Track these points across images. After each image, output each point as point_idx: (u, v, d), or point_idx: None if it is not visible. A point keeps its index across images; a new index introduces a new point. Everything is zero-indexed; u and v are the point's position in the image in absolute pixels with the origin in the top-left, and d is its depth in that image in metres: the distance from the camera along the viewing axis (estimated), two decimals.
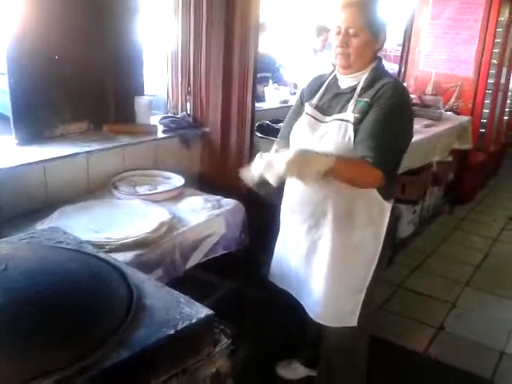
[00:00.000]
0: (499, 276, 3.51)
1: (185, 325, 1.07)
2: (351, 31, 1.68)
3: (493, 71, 4.80)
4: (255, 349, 2.31)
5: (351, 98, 1.74)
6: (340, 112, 1.75)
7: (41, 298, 1.02)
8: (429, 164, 3.68)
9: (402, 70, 5.16)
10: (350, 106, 1.72)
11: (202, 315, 1.11)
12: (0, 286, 1.01)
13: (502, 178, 6.13)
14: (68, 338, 0.96)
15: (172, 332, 1.04)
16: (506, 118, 5.95)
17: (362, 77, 1.75)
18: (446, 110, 4.57)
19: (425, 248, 3.86)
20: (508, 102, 5.95)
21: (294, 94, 3.96)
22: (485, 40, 4.57)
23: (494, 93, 4.98)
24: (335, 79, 1.85)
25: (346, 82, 1.80)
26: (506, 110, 5.94)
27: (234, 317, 2.08)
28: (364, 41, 1.70)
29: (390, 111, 1.65)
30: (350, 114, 1.71)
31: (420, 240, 3.93)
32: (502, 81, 5.19)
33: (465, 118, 4.53)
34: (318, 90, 1.88)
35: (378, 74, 1.75)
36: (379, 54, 1.83)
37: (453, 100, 4.74)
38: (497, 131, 5.53)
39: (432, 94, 4.72)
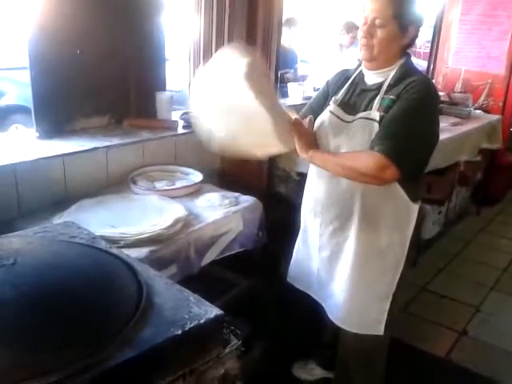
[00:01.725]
0: None
1: (193, 325, 1.04)
2: (377, 22, 1.61)
3: None
4: (271, 348, 2.29)
5: (377, 95, 1.67)
6: (365, 110, 1.69)
7: (48, 294, 1.01)
8: (456, 163, 3.58)
9: (431, 66, 5.04)
10: (376, 103, 1.65)
11: (212, 315, 1.09)
12: (8, 280, 1.01)
13: None
14: (73, 336, 0.95)
15: (179, 332, 1.02)
16: None
17: (390, 73, 1.68)
18: (476, 109, 4.44)
19: (450, 250, 3.76)
20: None
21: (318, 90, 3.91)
22: None
23: None
24: (361, 75, 1.78)
25: (372, 78, 1.73)
26: None
27: (249, 315, 2.07)
28: (390, 33, 1.62)
29: (412, 105, 1.58)
30: (375, 112, 1.64)
31: (445, 241, 3.84)
32: None
33: (494, 117, 4.40)
34: (343, 85, 1.81)
35: (407, 71, 1.67)
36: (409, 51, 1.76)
37: (483, 98, 4.60)
38: None
39: (461, 92, 4.59)
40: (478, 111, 4.39)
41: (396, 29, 1.63)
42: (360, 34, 1.69)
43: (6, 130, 4.66)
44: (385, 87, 1.67)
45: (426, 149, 1.65)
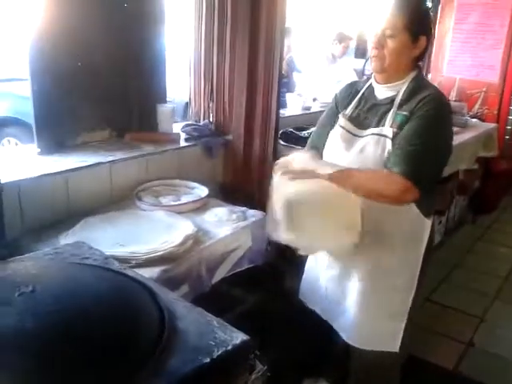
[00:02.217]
0: None
1: (220, 352, 1.00)
2: (388, 32, 1.60)
3: None
4: (280, 365, 2.24)
5: (389, 110, 1.65)
6: (377, 125, 1.66)
7: (69, 322, 0.96)
8: (455, 172, 3.59)
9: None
10: (389, 119, 1.63)
11: (238, 341, 1.04)
12: (28, 309, 0.96)
13: None
14: (99, 365, 0.90)
15: (207, 360, 0.97)
16: None
17: (402, 87, 1.65)
18: (471, 117, 4.46)
19: (450, 259, 3.75)
20: None
21: (315, 99, 3.90)
22: (511, 45, 4.46)
23: None
24: (371, 88, 1.76)
25: (383, 92, 1.71)
26: None
27: (258, 332, 2.02)
28: (401, 43, 1.60)
29: (427, 122, 1.56)
30: (388, 128, 1.61)
31: (446, 251, 3.82)
32: None
33: (491, 125, 4.43)
34: (353, 99, 1.79)
35: (419, 85, 1.65)
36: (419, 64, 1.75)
37: (477, 106, 4.63)
38: None
39: (456, 100, 4.61)
40: (473, 120, 4.41)
41: (407, 39, 1.61)
42: (370, 44, 1.67)
43: None
44: (397, 102, 1.64)
45: (442, 164, 1.63)
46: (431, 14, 1.74)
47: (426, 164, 1.55)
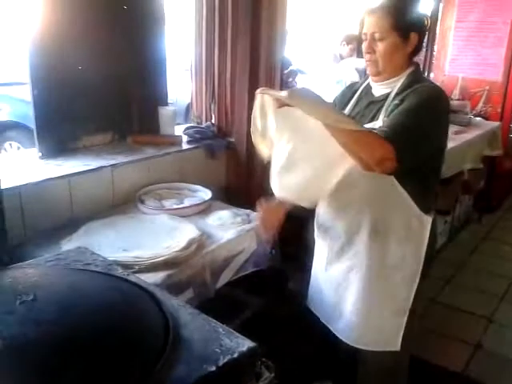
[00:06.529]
0: None
1: (226, 360, 0.97)
2: (376, 35, 1.59)
3: None
4: (288, 368, 2.21)
5: (383, 106, 1.63)
6: (371, 121, 1.64)
7: (72, 332, 0.94)
8: (460, 172, 3.56)
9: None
10: (382, 114, 1.61)
11: (244, 349, 1.02)
12: (31, 318, 0.94)
13: None
14: (102, 376, 0.88)
15: (213, 369, 0.95)
16: None
17: (397, 84, 1.64)
18: (474, 115, 4.43)
19: (456, 259, 3.72)
20: None
21: None
22: None
23: None
24: (369, 87, 1.75)
25: (379, 90, 1.70)
26: None
27: (263, 335, 2.00)
28: (391, 45, 1.59)
29: (418, 102, 1.51)
30: (380, 122, 1.59)
31: (451, 251, 3.79)
32: None
33: (495, 124, 4.39)
34: (351, 100, 1.78)
35: (415, 79, 1.63)
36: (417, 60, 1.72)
37: (481, 105, 4.60)
38: None
39: (459, 99, 4.58)
40: (477, 118, 4.38)
41: (396, 39, 1.59)
42: (363, 49, 1.66)
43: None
44: (392, 96, 1.62)
45: (430, 150, 1.58)
46: (421, 9, 1.70)
47: (411, 140, 1.47)
